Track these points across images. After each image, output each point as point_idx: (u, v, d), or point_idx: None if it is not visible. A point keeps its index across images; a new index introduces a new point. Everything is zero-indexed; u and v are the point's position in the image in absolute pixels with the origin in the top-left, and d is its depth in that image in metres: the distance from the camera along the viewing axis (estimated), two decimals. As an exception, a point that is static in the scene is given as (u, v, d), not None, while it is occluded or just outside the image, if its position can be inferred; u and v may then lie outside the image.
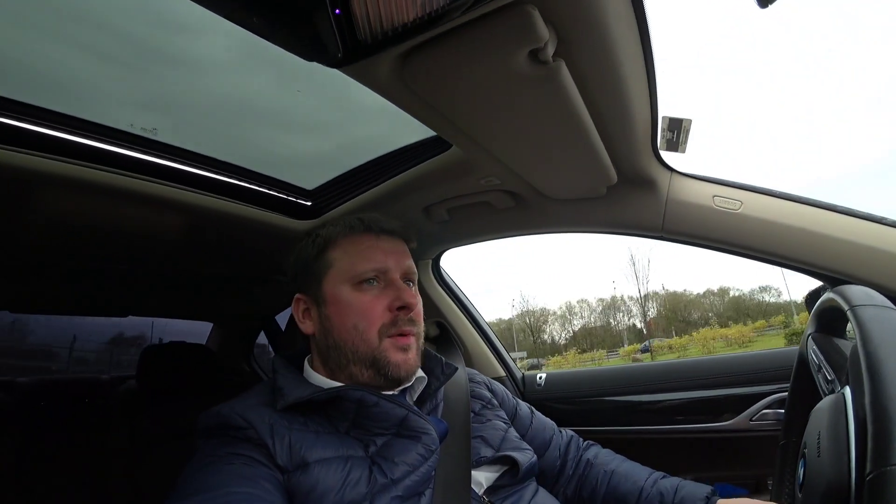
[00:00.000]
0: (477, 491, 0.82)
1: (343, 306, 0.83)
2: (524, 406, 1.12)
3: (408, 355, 0.83)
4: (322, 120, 1.39)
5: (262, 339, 2.48)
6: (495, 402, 1.02)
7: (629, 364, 1.79)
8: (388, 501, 0.69)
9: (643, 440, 1.40)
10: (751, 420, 1.26)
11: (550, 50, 0.67)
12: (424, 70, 0.73)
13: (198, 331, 2.44)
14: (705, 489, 0.89)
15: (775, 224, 1.06)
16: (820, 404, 0.60)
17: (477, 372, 1.13)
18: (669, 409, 1.39)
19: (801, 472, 0.59)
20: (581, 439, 1.13)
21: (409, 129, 1.21)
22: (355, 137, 1.42)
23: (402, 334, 0.83)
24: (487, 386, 1.08)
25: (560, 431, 1.13)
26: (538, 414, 1.14)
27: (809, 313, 0.99)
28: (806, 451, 0.58)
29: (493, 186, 1.21)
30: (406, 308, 0.83)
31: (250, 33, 0.69)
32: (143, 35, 1.07)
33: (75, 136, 1.10)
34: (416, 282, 0.93)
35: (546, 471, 1.05)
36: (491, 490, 0.84)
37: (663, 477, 0.98)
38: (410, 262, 0.90)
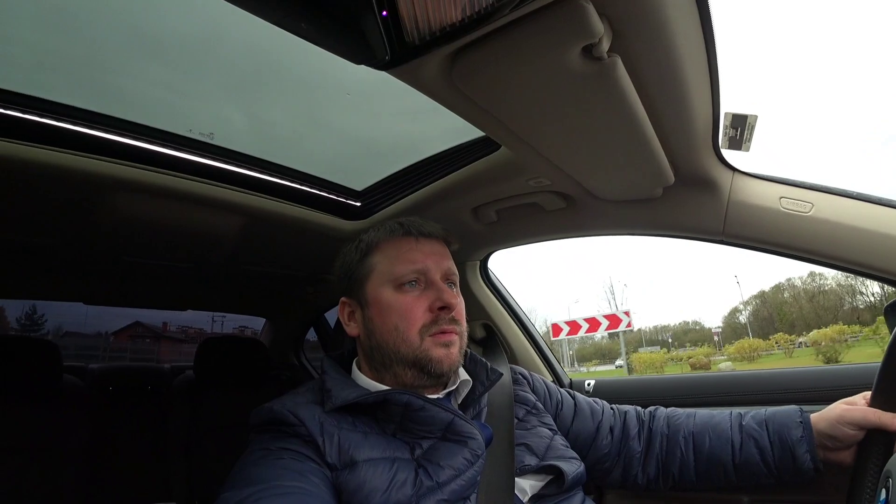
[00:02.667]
0: (521, 498, 0.81)
1: (384, 308, 0.84)
2: (567, 397, 1.10)
3: (450, 350, 0.83)
4: (371, 122, 1.41)
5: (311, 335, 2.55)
6: (540, 406, 1.00)
7: (687, 373, 1.70)
8: None
9: None
10: None
11: (605, 45, 0.64)
12: (473, 70, 0.71)
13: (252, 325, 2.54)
14: (794, 413, 0.94)
15: (850, 228, 0.98)
16: None
17: (519, 368, 1.12)
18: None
19: (880, 499, 0.54)
20: (643, 411, 1.11)
21: (457, 130, 1.20)
22: (404, 138, 1.42)
23: (444, 332, 0.83)
24: (530, 384, 1.07)
25: (614, 410, 1.11)
26: (582, 401, 1.10)
27: (890, 325, 0.91)
28: (891, 479, 0.53)
29: (543, 187, 1.18)
30: (446, 308, 0.84)
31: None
32: (197, 44, 1.12)
33: (140, 141, 1.18)
34: (458, 283, 0.94)
35: (606, 461, 1.04)
36: (536, 499, 0.83)
37: (743, 415, 0.99)
38: (451, 264, 0.91)
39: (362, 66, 0.73)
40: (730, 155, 1.02)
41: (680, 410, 1.06)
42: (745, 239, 1.09)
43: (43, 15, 1.04)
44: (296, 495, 0.63)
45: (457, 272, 0.93)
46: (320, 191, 1.52)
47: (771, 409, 0.95)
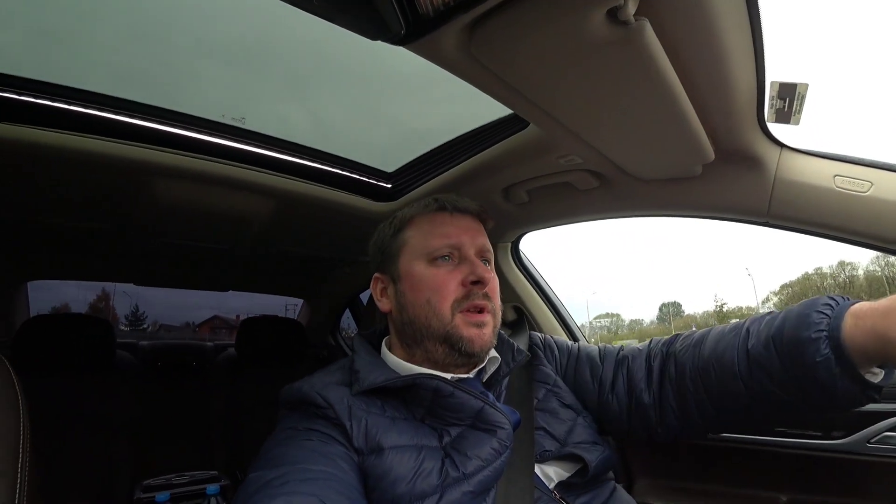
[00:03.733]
0: (547, 485, 0.80)
1: (416, 281, 0.84)
2: (576, 353, 1.02)
3: (482, 331, 0.81)
4: (400, 102, 1.40)
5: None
6: (560, 383, 0.95)
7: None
8: (460, 496, 0.69)
9: (735, 450, 1.24)
10: (868, 442, 1.07)
11: (631, 8, 0.59)
12: (492, 41, 0.68)
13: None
14: (811, 316, 0.69)
15: None
16: None
17: (537, 335, 1.07)
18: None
19: None
20: (655, 348, 0.93)
21: (485, 109, 1.17)
22: (433, 119, 1.41)
23: (477, 309, 0.82)
24: (550, 351, 1.03)
25: (619, 361, 0.96)
26: (584, 352, 1.01)
27: None
28: None
29: (575, 166, 1.14)
30: (480, 283, 0.83)
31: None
32: (236, 33, 1.15)
33: (176, 127, 1.22)
34: (492, 262, 0.92)
35: (621, 420, 0.92)
36: (563, 487, 0.81)
37: (751, 332, 0.78)
38: (485, 241, 0.90)
39: (390, 49, 0.72)
40: (777, 129, 0.94)
41: (694, 337, 0.88)
42: (793, 221, 1.01)
43: (93, 16, 1.09)
44: (323, 480, 0.63)
45: (491, 249, 0.92)
46: (352, 173, 1.53)
47: (786, 313, 0.73)
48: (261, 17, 1.15)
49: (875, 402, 0.67)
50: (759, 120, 0.91)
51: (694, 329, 0.93)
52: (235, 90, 1.37)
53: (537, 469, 0.80)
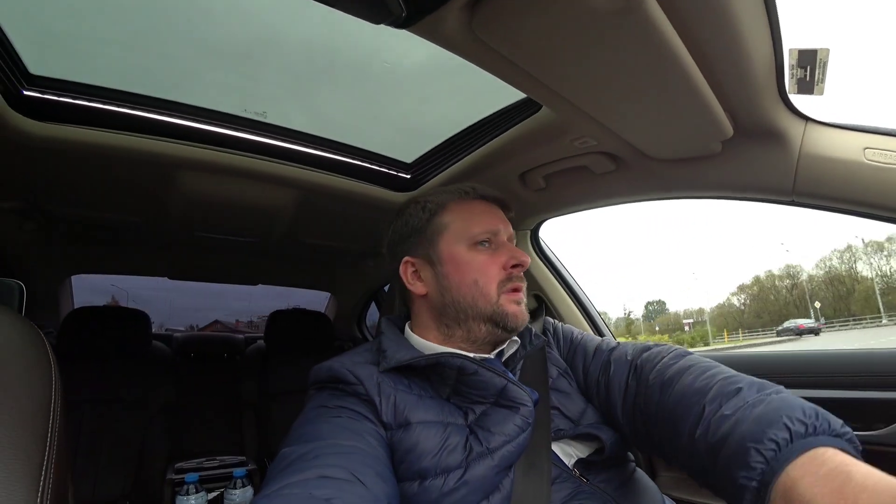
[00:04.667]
0: (566, 462, 0.80)
1: (462, 264, 0.87)
2: (575, 342, 0.99)
3: (521, 307, 0.87)
4: (417, 91, 1.41)
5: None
6: (569, 370, 0.95)
7: (755, 352, 1.55)
8: (484, 470, 0.70)
9: None
10: None
11: None
12: (494, 18, 0.68)
13: (317, 300, 2.67)
14: (750, 455, 0.56)
15: None
16: None
17: (549, 320, 1.08)
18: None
19: None
20: (637, 362, 0.84)
21: (498, 94, 1.17)
22: (448, 107, 1.41)
23: (516, 289, 0.87)
24: (556, 336, 1.02)
25: (605, 367, 0.89)
26: (582, 343, 0.98)
27: None
28: None
29: (590, 148, 1.12)
30: (520, 266, 0.87)
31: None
32: (243, 29, 1.18)
33: (201, 123, 1.27)
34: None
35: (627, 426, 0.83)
36: (583, 464, 0.81)
37: (703, 419, 0.65)
38: (512, 230, 0.94)
39: (402, 43, 0.73)
40: (799, 101, 0.90)
41: (664, 376, 0.76)
42: (821, 198, 0.97)
43: (126, 21, 1.14)
44: (353, 454, 0.65)
45: (515, 239, 0.97)
46: (371, 164, 1.55)
47: (735, 422, 0.61)
48: (277, 15, 1.19)
49: None
50: (779, 92, 0.87)
51: (668, 350, 0.83)
52: (256, 85, 1.41)
53: (556, 447, 0.81)
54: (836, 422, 0.58)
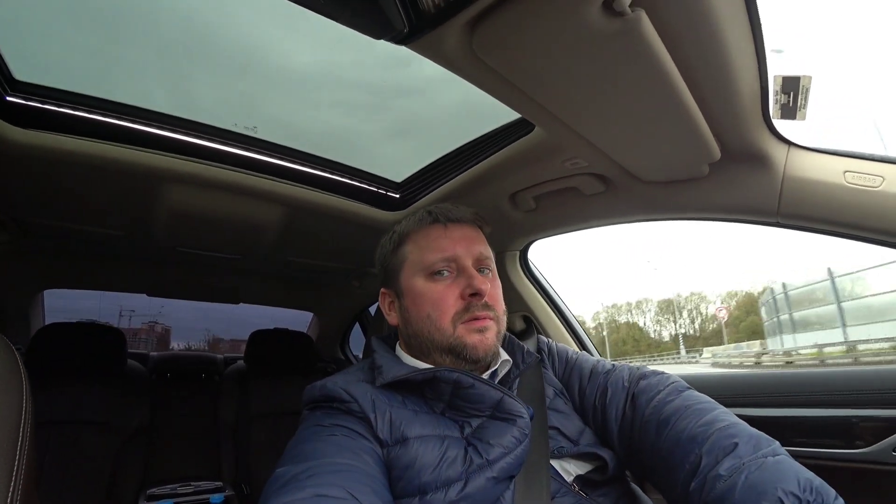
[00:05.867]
0: (566, 478, 0.80)
1: (417, 297, 0.85)
2: (571, 362, 0.99)
3: (484, 336, 0.82)
4: (409, 109, 1.42)
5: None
6: (565, 391, 0.95)
7: (739, 371, 1.57)
8: (484, 482, 0.70)
9: None
10: (894, 450, 1.03)
11: None
12: (493, 38, 0.69)
13: (301, 319, 2.62)
14: None
15: None
16: None
17: (542, 339, 1.07)
18: (787, 427, 1.17)
19: None
20: (634, 391, 0.85)
21: (492, 115, 1.19)
22: (441, 126, 1.43)
23: (476, 318, 0.82)
24: (551, 356, 1.02)
25: (601, 395, 0.89)
26: (578, 364, 0.97)
27: None
28: None
29: (580, 169, 1.14)
30: (477, 294, 0.83)
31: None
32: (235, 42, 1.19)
33: (189, 136, 1.26)
34: (493, 268, 0.92)
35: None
36: (582, 481, 0.81)
37: (698, 474, 0.68)
38: (483, 248, 0.90)
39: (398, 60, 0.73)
40: (783, 127, 0.94)
41: (662, 413, 0.78)
42: (804, 219, 1.00)
43: (105, 27, 1.14)
44: (349, 472, 0.64)
45: (491, 256, 0.92)
46: (361, 182, 1.55)
47: (730, 489, 0.63)
48: (269, 26, 1.20)
49: None
50: (764, 117, 0.90)
51: (666, 382, 0.85)
52: (247, 99, 1.40)
53: (555, 464, 0.81)
54: (830, 494, 0.60)
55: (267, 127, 1.35)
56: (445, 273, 0.85)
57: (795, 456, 1.10)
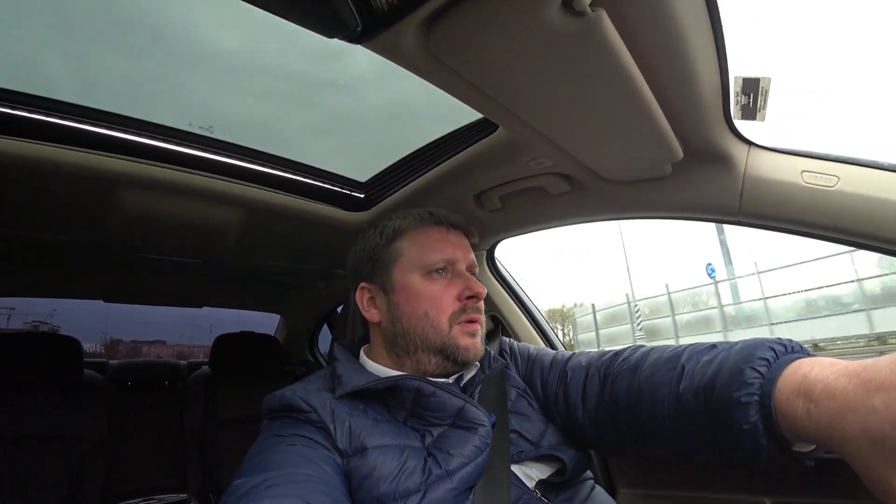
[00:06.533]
0: (527, 484, 0.80)
1: (413, 294, 0.85)
2: (532, 358, 1.00)
3: (475, 340, 0.85)
4: (371, 110, 1.39)
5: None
6: (528, 391, 0.95)
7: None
8: (443, 494, 0.69)
9: None
10: None
11: None
12: (450, 36, 0.67)
13: (267, 322, 2.56)
14: (744, 373, 0.60)
15: (882, 201, 0.89)
16: None
17: (505, 340, 1.07)
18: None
19: None
20: (598, 364, 0.87)
21: (456, 114, 1.16)
22: (405, 126, 1.40)
23: (471, 321, 0.85)
24: (514, 356, 1.02)
25: (561, 375, 0.90)
26: (538, 358, 0.98)
27: None
28: None
29: (546, 169, 1.13)
30: (475, 297, 0.85)
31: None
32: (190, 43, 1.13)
33: (143, 137, 1.19)
34: (478, 276, 0.94)
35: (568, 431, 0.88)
36: (544, 485, 0.81)
37: (686, 371, 0.70)
38: (473, 257, 0.93)
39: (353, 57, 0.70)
40: (744, 127, 0.94)
41: (632, 360, 0.80)
42: (764, 218, 1.01)
43: (48, 20, 1.06)
44: (309, 482, 0.63)
45: (477, 265, 0.94)
46: (324, 183, 1.50)
47: (722, 360, 0.65)
48: (223, 29, 1.14)
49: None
50: (725, 117, 0.91)
51: (627, 347, 0.87)
52: (204, 99, 1.34)
53: (517, 469, 0.80)
54: (804, 347, 0.63)
55: (223, 127, 1.29)
56: (442, 273, 0.86)
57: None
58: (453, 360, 0.83)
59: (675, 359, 0.73)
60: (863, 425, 0.45)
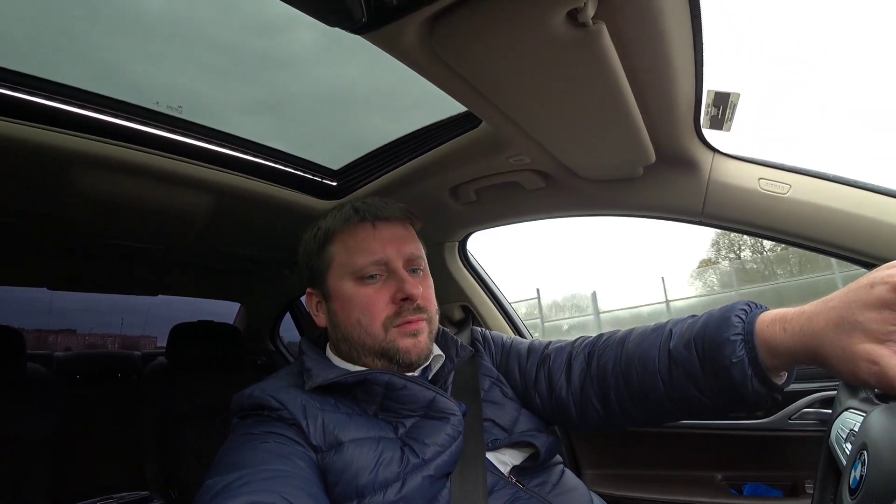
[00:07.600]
0: (502, 470, 0.82)
1: (347, 301, 0.83)
2: (506, 347, 1.03)
3: (417, 339, 0.82)
4: (348, 97, 1.37)
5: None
6: (503, 378, 0.97)
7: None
8: (420, 481, 0.71)
9: (669, 435, 1.32)
10: (790, 419, 1.19)
11: (591, 11, 0.62)
12: (454, 36, 0.68)
13: (226, 311, 2.48)
14: (730, 320, 0.69)
15: (826, 209, 0.99)
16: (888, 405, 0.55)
17: (480, 330, 1.08)
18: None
19: (854, 474, 0.54)
20: (579, 346, 0.92)
21: (436, 106, 1.17)
22: (382, 115, 1.39)
23: (409, 322, 0.82)
24: (487, 345, 1.03)
25: (541, 360, 0.94)
26: (514, 346, 1.01)
27: None
28: (867, 452, 0.53)
29: (524, 166, 1.16)
30: (409, 299, 0.81)
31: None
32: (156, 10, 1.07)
33: (104, 114, 1.11)
34: (425, 266, 0.91)
35: (546, 416, 0.92)
36: (518, 471, 0.84)
37: (674, 332, 0.78)
38: (414, 248, 0.88)
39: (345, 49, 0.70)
40: (710, 135, 1.01)
41: (617, 335, 0.87)
42: (724, 220, 1.09)
43: None
44: (284, 478, 0.63)
45: (423, 255, 0.90)
46: (295, 169, 1.47)
47: (707, 317, 0.74)
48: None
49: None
50: (696, 126, 0.98)
51: (612, 330, 0.93)
52: (173, 76, 1.27)
53: (491, 456, 0.82)
54: None
55: (192, 106, 1.23)
56: (376, 276, 0.83)
57: (704, 427, 1.25)
58: (397, 362, 0.81)
59: (661, 327, 0.81)
60: (826, 319, 0.57)
